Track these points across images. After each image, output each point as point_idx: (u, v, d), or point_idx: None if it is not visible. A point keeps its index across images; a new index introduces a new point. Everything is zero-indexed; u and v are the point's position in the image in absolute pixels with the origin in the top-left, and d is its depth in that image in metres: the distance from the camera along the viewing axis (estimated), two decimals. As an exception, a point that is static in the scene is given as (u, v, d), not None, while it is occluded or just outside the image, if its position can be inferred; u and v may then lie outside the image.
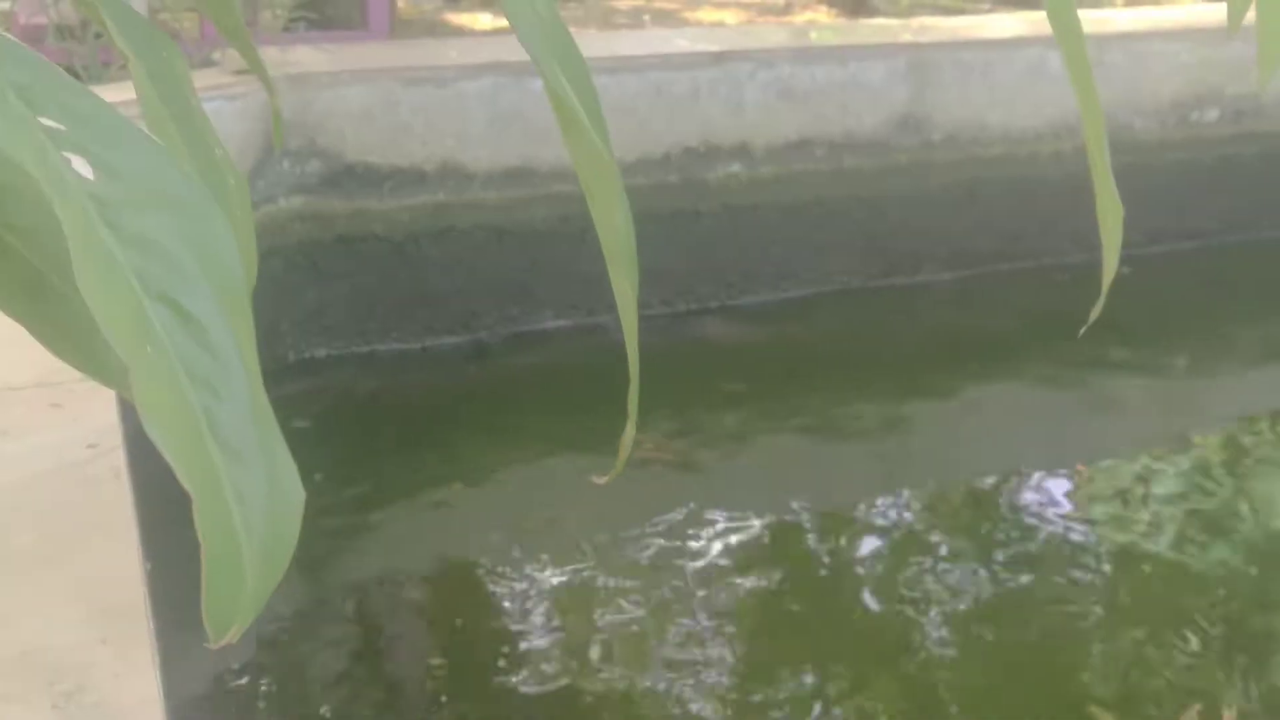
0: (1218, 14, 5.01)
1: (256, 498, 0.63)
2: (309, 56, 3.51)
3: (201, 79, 3.03)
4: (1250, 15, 0.93)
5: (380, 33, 4.10)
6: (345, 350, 3.50)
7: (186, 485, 0.60)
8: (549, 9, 0.79)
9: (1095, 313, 0.85)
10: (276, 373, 3.35)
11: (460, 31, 6.73)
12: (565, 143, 0.79)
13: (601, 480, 0.85)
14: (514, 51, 3.90)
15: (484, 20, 6.90)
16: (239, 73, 3.13)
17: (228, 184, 0.81)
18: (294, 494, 0.64)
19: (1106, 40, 4.23)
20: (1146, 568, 2.76)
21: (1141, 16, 4.97)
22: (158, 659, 0.87)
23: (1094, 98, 0.80)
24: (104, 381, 0.72)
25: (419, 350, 3.60)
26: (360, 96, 3.41)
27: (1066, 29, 0.80)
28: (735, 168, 3.81)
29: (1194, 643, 2.48)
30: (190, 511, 0.59)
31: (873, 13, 7.23)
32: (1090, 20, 4.85)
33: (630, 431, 0.85)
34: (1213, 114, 4.41)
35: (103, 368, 0.72)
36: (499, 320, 3.71)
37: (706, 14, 7.53)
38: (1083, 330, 0.90)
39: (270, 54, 3.25)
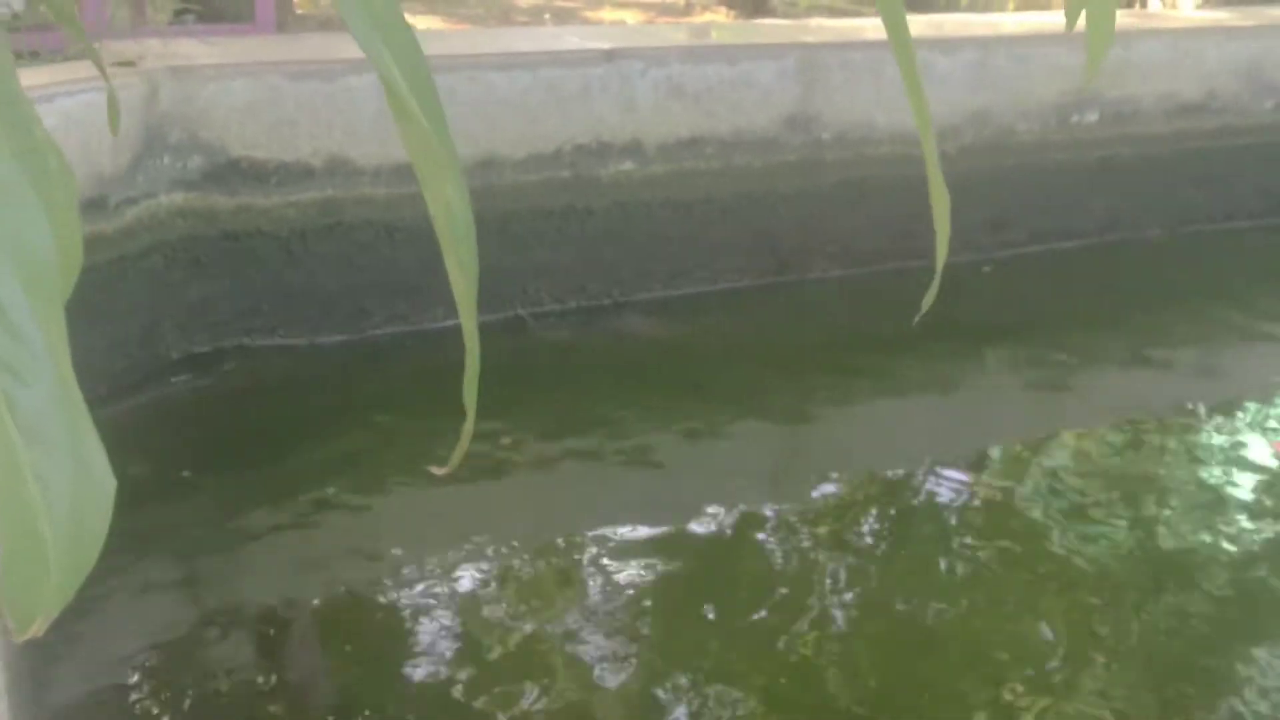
0: (1099, 19, 5.12)
1: (61, 484, 0.62)
2: (193, 49, 3.45)
3: (74, 71, 2.96)
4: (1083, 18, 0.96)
5: (267, 27, 4.03)
6: (229, 347, 3.44)
7: (-21, 469, 0.58)
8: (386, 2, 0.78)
9: (928, 300, 0.87)
10: (158, 369, 3.29)
11: (356, 27, 6.62)
12: (399, 132, 0.79)
13: (440, 471, 0.85)
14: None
15: (381, 16, 6.81)
16: (116, 64, 3.06)
17: (48, 165, 0.79)
18: (103, 482, 0.63)
19: (992, 44, 4.32)
20: (1026, 552, 2.82)
21: (1026, 20, 5.08)
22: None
23: (920, 91, 0.82)
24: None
25: (306, 347, 3.56)
26: (245, 90, 3.36)
27: (895, 25, 0.82)
28: (627, 165, 3.82)
29: (1067, 625, 2.54)
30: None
31: (771, 14, 7.29)
32: (978, 24, 4.94)
33: (469, 423, 0.85)
34: (1093, 116, 4.52)
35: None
36: (388, 318, 3.68)
37: (608, 13, 7.52)
38: (917, 318, 0.92)
39: (152, 45, 3.19)
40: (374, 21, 0.78)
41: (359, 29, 0.74)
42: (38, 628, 0.62)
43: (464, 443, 0.84)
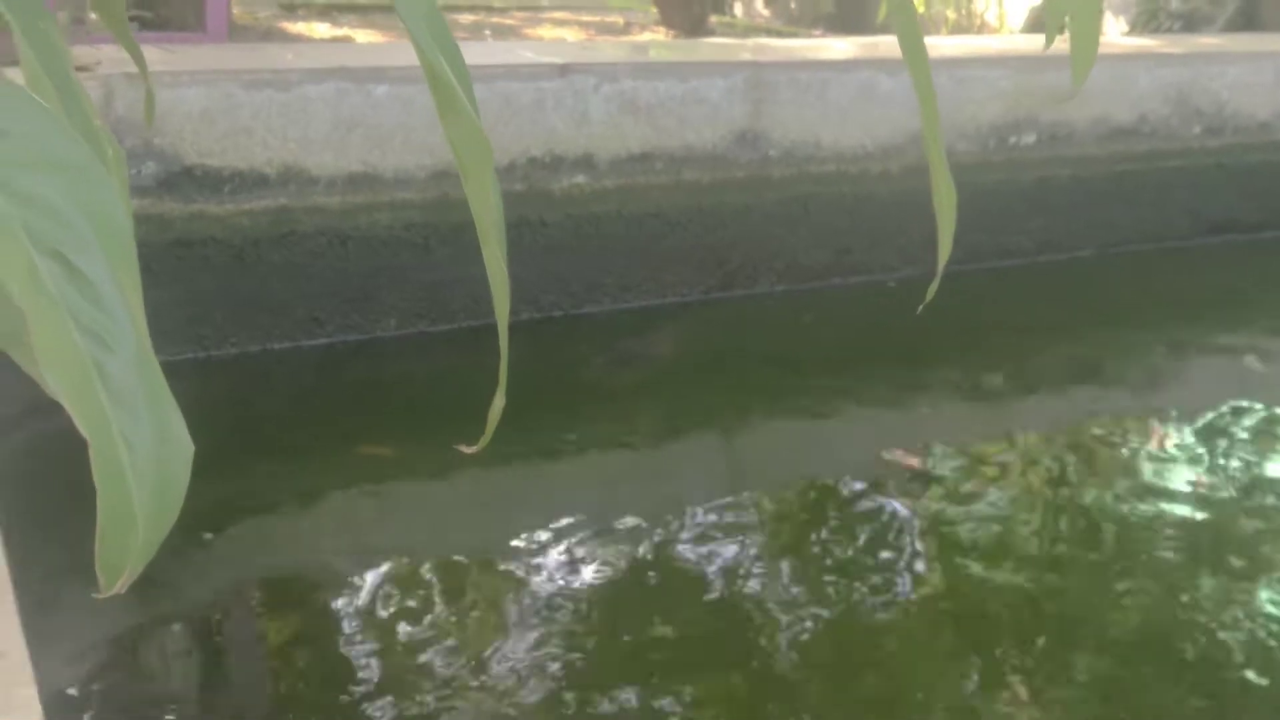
0: (1034, 43, 5.28)
1: (146, 446, 0.65)
2: (149, 55, 3.44)
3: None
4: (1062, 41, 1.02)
5: (219, 36, 4.04)
6: (180, 356, 3.43)
7: (83, 431, 0.62)
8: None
9: (931, 292, 0.92)
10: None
11: (297, 40, 6.63)
12: (442, 122, 0.83)
13: (470, 449, 0.89)
14: (357, 57, 3.90)
15: (320, 29, 6.82)
16: (78, 69, 3.05)
17: (107, 154, 0.83)
18: (182, 445, 0.67)
19: (934, 66, 4.41)
20: (971, 567, 2.89)
21: (963, 43, 5.21)
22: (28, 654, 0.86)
23: (929, 86, 0.87)
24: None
25: (258, 354, 3.56)
26: (200, 98, 3.36)
27: (911, 44, 0.88)
28: (580, 178, 3.86)
29: (1009, 631, 2.62)
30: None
31: (710, 35, 7.39)
32: (917, 46, 5.05)
33: (499, 402, 0.90)
34: (1030, 138, 4.65)
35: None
36: (341, 327, 3.68)
37: (546, 31, 7.58)
38: (920, 308, 0.97)
39: (109, 51, 3.18)
40: (427, 20, 0.82)
41: (414, 26, 0.78)
42: (123, 584, 0.66)
43: (493, 420, 0.89)
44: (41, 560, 2.38)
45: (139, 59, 0.96)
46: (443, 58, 0.81)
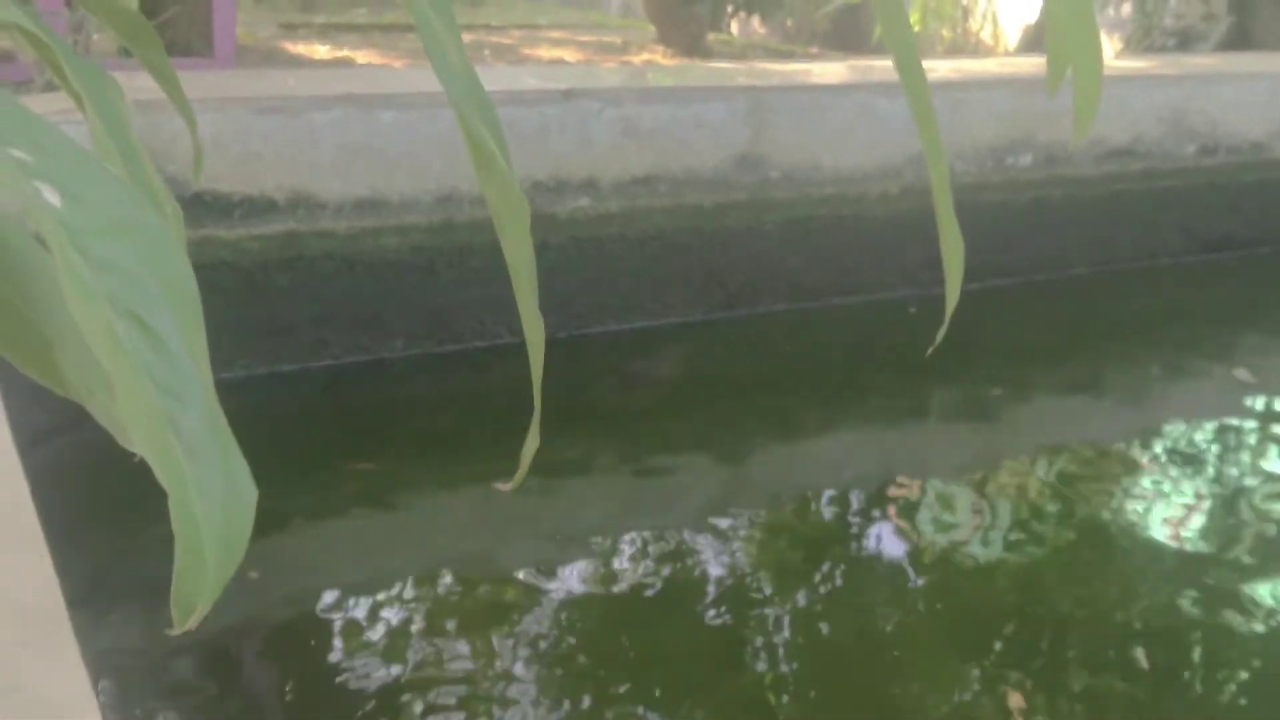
0: (1030, 65, 5.35)
1: (215, 494, 0.71)
2: (147, 85, 3.49)
3: (49, 104, 3.00)
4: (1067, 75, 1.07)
5: (226, 62, 4.09)
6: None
7: (163, 482, 0.67)
8: (462, 60, 0.88)
9: (940, 335, 0.97)
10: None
11: (298, 60, 6.69)
12: (479, 180, 0.88)
13: (505, 487, 0.94)
14: (363, 84, 3.95)
15: (321, 50, 6.88)
16: (87, 98, 3.10)
17: (166, 212, 0.88)
18: (247, 491, 0.72)
19: (932, 89, 4.48)
20: (969, 583, 2.94)
21: (961, 66, 5.28)
22: (82, 656, 0.91)
23: (936, 137, 0.92)
24: (62, 391, 0.78)
25: (266, 376, 3.60)
26: (210, 124, 3.41)
27: (911, 76, 0.93)
28: (583, 201, 3.92)
29: (1008, 649, 2.66)
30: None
31: (708, 54, 7.45)
32: (914, 68, 5.11)
33: (533, 443, 0.95)
34: (1026, 159, 4.71)
35: (60, 380, 0.78)
36: (349, 349, 3.73)
37: (545, 51, 7.64)
38: (930, 350, 1.02)
39: (117, 79, 3.23)
40: (460, 81, 0.87)
41: (450, 87, 0.84)
42: (194, 620, 0.71)
43: (527, 460, 0.94)
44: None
45: (186, 111, 1.01)
46: (477, 111, 0.86)
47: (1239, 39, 7.03)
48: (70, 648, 0.90)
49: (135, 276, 0.71)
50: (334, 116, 3.55)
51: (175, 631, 0.71)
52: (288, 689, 2.51)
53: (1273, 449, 3.69)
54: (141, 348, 0.69)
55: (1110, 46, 6.95)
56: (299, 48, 7.08)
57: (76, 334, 0.73)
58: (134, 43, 1.17)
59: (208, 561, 0.70)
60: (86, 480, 2.95)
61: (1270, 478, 3.52)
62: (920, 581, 2.93)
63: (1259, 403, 4.03)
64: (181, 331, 0.71)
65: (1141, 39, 6.92)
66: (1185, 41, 6.90)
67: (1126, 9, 7.08)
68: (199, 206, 3.45)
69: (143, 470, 0.67)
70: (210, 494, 0.70)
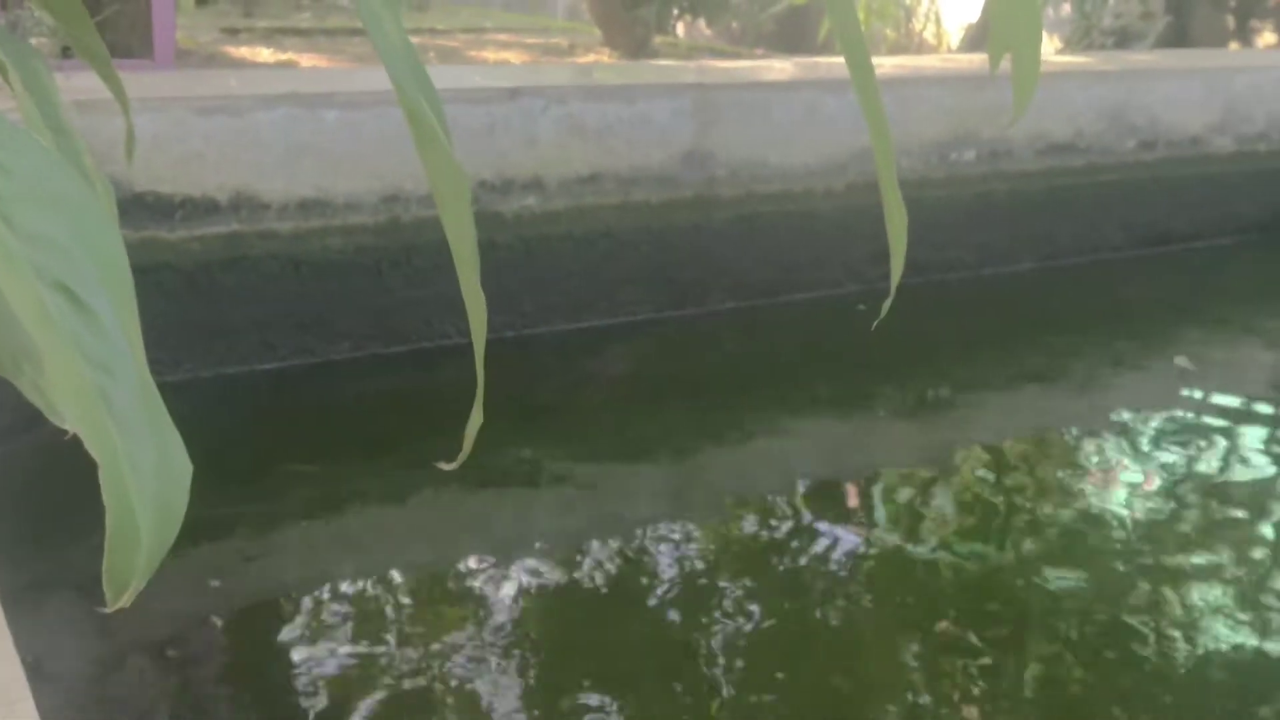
0: (973, 63, 5.40)
1: (148, 467, 0.69)
2: (97, 83, 3.44)
3: (-16, 104, 2.95)
4: (1005, 63, 1.08)
5: (166, 63, 4.04)
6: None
7: (93, 454, 0.65)
8: (401, 36, 0.87)
9: (884, 309, 0.97)
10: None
11: (241, 64, 6.63)
12: (421, 157, 0.87)
13: (448, 466, 0.93)
14: (307, 83, 3.92)
15: (264, 54, 6.82)
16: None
17: (98, 189, 0.86)
18: (182, 466, 0.71)
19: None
20: (921, 576, 2.96)
21: (905, 63, 5.32)
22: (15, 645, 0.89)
23: (880, 113, 0.93)
24: (-8, 369, 0.76)
25: (211, 379, 3.56)
26: (150, 124, 3.37)
27: (860, 70, 0.93)
28: (529, 200, 3.91)
29: (964, 643, 2.68)
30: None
31: (654, 56, 7.46)
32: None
33: (477, 419, 0.94)
34: (970, 154, 4.75)
35: (-11, 356, 0.76)
36: (295, 351, 3.70)
37: (491, 53, 7.62)
38: (874, 324, 1.02)
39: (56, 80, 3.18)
40: (399, 55, 0.86)
41: (390, 61, 0.83)
42: (128, 597, 0.69)
43: (470, 438, 0.93)
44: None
45: (121, 96, 1.00)
46: (421, 96, 0.85)
47: (1177, 37, 7.14)
48: (4, 639, 0.88)
49: (65, 248, 0.69)
50: (277, 116, 3.52)
51: (108, 609, 0.70)
52: (230, 694, 2.48)
53: (1214, 433, 3.74)
54: (71, 320, 0.67)
55: (1050, 45, 7.02)
56: (241, 51, 7.02)
57: (5, 307, 0.71)
58: (68, 25, 1.15)
59: (141, 537, 0.69)
60: (38, 482, 2.91)
61: (1212, 460, 3.57)
62: (872, 575, 2.95)
63: (1199, 390, 4.09)
64: (113, 305, 0.70)
65: (1081, 38, 7.00)
66: (1124, 40, 6.99)
67: (1066, 9, 7.16)
68: (140, 208, 3.41)
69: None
70: (143, 467, 0.69)
